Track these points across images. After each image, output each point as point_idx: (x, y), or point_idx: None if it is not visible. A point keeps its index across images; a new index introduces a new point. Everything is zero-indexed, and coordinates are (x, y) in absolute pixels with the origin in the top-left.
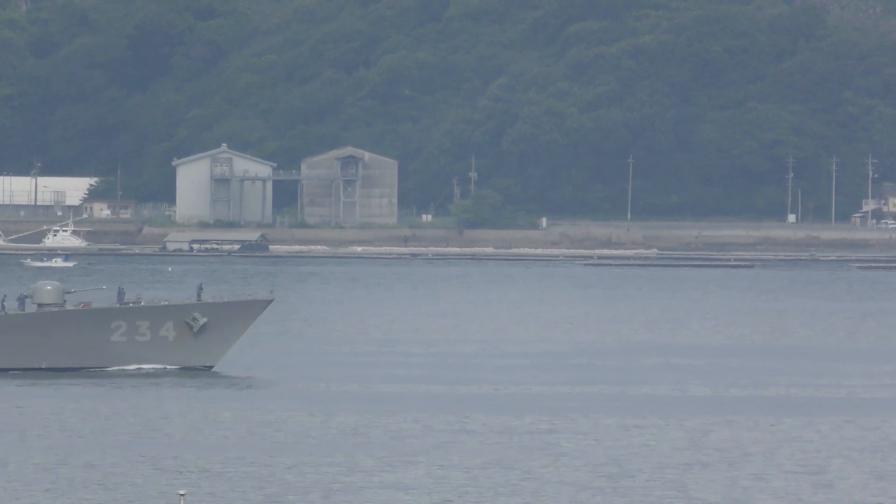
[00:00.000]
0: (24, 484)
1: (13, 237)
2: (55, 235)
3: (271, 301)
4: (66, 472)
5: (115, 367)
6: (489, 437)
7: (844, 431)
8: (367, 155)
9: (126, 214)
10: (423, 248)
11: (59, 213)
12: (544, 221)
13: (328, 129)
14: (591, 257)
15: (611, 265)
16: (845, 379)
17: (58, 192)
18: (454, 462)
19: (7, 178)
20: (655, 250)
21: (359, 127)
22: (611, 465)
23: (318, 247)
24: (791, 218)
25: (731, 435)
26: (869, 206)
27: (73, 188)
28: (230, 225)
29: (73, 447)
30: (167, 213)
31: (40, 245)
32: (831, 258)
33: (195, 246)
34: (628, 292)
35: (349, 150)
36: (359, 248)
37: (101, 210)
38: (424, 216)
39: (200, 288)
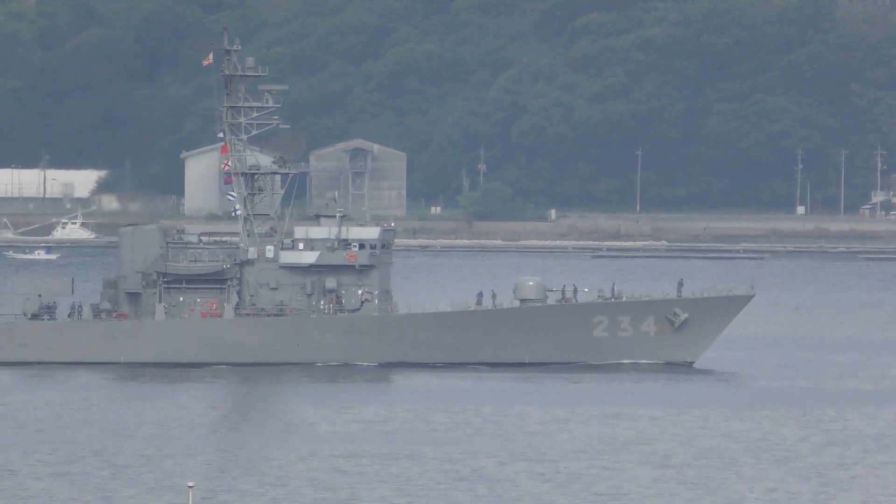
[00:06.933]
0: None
1: (22, 230)
2: (64, 228)
3: (752, 296)
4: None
5: (597, 362)
6: None
7: None
8: (375, 147)
9: (135, 207)
10: (433, 241)
11: (68, 206)
12: (553, 214)
13: (336, 122)
14: (600, 249)
15: (620, 257)
16: None
17: (66, 184)
18: None
19: (16, 171)
20: (664, 242)
21: (367, 119)
22: None
23: None
24: (800, 210)
25: None
26: (878, 197)
27: (82, 181)
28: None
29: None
30: (179, 205)
31: (49, 237)
32: (840, 249)
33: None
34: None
35: (358, 143)
36: None
37: (110, 202)
38: (433, 208)
39: (681, 284)
